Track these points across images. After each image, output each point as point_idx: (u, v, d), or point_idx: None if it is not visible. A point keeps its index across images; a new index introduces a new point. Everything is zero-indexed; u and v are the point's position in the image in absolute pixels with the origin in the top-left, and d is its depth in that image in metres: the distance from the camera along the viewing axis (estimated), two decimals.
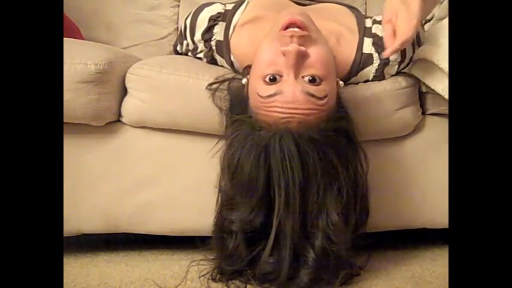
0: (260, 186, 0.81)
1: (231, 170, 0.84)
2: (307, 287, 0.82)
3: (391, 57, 0.99)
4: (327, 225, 0.82)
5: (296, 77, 0.82)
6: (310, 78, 0.82)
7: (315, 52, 0.84)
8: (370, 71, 1.01)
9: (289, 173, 0.79)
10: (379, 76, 1.01)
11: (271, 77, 0.83)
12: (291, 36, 0.83)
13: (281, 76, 0.83)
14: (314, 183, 0.81)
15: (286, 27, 0.85)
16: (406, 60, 1.02)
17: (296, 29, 0.85)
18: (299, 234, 0.82)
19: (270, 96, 0.82)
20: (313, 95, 0.81)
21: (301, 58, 0.82)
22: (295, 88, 0.81)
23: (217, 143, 0.93)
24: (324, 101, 0.83)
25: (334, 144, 0.82)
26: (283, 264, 0.82)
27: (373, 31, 1.02)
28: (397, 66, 1.02)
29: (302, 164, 0.79)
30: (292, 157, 0.79)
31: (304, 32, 0.84)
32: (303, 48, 0.83)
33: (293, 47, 0.81)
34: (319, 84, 0.83)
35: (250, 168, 0.81)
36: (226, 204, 0.88)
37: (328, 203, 0.82)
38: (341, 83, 0.90)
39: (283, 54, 0.83)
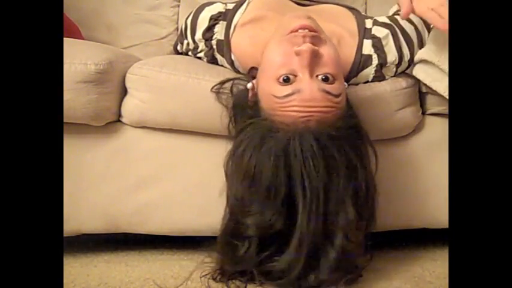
0: (282, 190, 0.80)
1: (248, 176, 0.82)
2: (313, 286, 0.82)
3: (388, 59, 1.00)
4: (345, 223, 0.81)
5: (311, 75, 0.82)
6: (324, 77, 0.83)
7: (326, 51, 0.85)
8: (370, 72, 1.01)
9: (313, 172, 0.78)
10: (379, 77, 1.02)
11: (285, 78, 0.82)
12: (303, 36, 0.83)
13: (295, 76, 0.83)
14: (336, 181, 0.80)
15: (296, 31, 0.85)
16: (404, 64, 1.03)
17: (307, 31, 0.85)
18: (320, 233, 0.81)
19: (287, 96, 0.81)
20: (329, 93, 0.82)
21: (315, 57, 0.82)
22: (312, 86, 0.81)
23: (227, 151, 0.90)
24: (340, 98, 0.83)
25: (351, 142, 0.82)
26: (298, 263, 0.81)
27: (373, 32, 1.02)
28: (394, 69, 1.02)
29: (325, 161, 0.79)
30: (315, 156, 0.78)
31: (315, 33, 0.85)
32: (316, 47, 0.83)
33: (307, 46, 0.81)
34: (332, 82, 0.83)
35: (271, 173, 0.80)
36: (240, 210, 0.85)
37: (346, 201, 0.81)
38: (345, 83, 0.90)
39: (297, 54, 0.82)
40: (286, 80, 0.82)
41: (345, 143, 0.81)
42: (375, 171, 0.88)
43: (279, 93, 0.82)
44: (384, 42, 1.01)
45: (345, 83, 0.90)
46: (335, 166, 0.80)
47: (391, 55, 1.01)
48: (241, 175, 0.84)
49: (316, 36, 0.84)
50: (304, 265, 0.81)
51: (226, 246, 0.87)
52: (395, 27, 1.03)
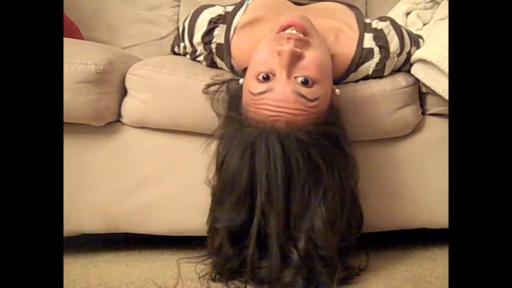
0: (243, 183, 0.81)
1: (218, 166, 0.86)
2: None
3: (391, 49, 1.00)
4: (310, 228, 0.81)
5: (288, 76, 0.83)
6: (303, 79, 0.83)
7: (310, 54, 0.85)
8: (370, 65, 1.01)
9: (272, 171, 0.79)
10: (380, 71, 1.01)
11: (264, 76, 0.83)
12: (288, 38, 0.84)
13: (274, 75, 0.84)
14: (298, 184, 0.81)
15: (285, 29, 0.86)
16: (404, 54, 1.02)
17: (294, 31, 0.85)
18: (283, 235, 0.82)
19: (260, 93, 0.82)
20: (303, 96, 0.82)
21: (295, 58, 0.83)
22: (286, 87, 0.82)
23: (206, 140, 0.94)
24: (314, 103, 0.83)
25: (320, 148, 0.82)
26: (272, 266, 0.82)
27: (374, 26, 1.02)
28: (396, 59, 1.02)
29: (285, 163, 0.80)
30: (276, 156, 0.79)
31: (301, 36, 0.85)
32: (297, 49, 0.83)
33: (288, 47, 0.82)
34: (311, 86, 0.83)
35: (235, 165, 0.81)
36: (213, 201, 0.88)
37: (312, 206, 0.81)
38: (337, 91, 0.90)
39: (278, 53, 0.83)
40: (266, 78, 0.83)
41: (313, 147, 0.81)
42: (357, 180, 0.88)
43: (254, 90, 0.83)
44: (386, 31, 1.00)
45: (338, 90, 0.90)
46: (297, 169, 0.80)
47: (394, 44, 1.00)
48: (215, 166, 0.87)
49: (301, 39, 0.85)
50: (281, 267, 0.82)
51: (208, 238, 0.89)
52: (393, 20, 1.04)
